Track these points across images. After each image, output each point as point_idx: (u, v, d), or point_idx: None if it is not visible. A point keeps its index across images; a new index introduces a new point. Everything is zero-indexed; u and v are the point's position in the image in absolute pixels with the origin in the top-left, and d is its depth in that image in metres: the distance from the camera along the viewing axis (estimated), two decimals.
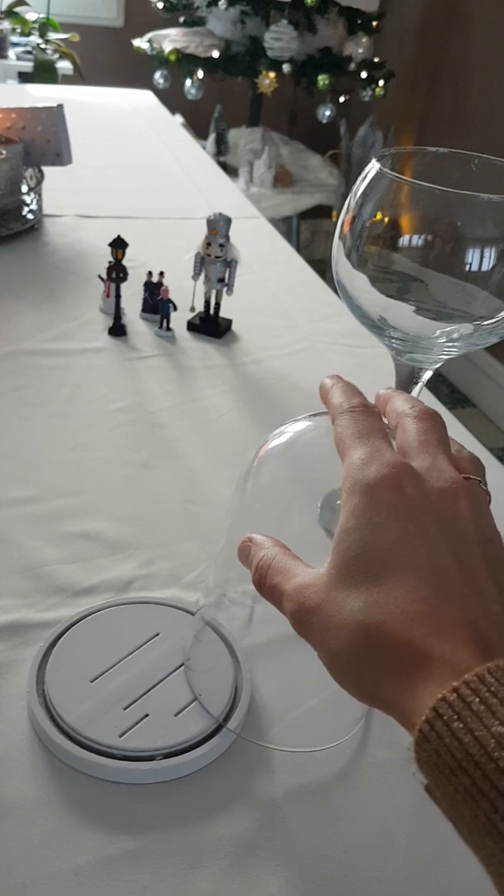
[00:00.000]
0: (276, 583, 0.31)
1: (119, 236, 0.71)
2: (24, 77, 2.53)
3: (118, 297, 0.74)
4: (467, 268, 0.45)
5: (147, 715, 0.40)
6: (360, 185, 0.46)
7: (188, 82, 2.40)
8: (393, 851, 0.36)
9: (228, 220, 0.73)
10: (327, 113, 2.43)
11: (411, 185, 0.45)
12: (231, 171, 2.52)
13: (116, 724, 0.39)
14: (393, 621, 0.26)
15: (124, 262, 0.74)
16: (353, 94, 2.52)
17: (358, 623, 0.27)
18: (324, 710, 0.43)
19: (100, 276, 0.75)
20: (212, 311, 0.79)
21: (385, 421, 0.36)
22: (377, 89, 2.49)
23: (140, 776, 0.37)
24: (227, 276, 0.76)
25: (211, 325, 0.80)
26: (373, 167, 0.46)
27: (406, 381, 0.51)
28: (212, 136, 2.55)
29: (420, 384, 0.51)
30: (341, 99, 2.48)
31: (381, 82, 2.48)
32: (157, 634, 0.44)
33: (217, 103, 2.55)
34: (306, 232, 2.69)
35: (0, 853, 0.34)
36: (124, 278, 0.73)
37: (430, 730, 0.24)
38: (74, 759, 0.38)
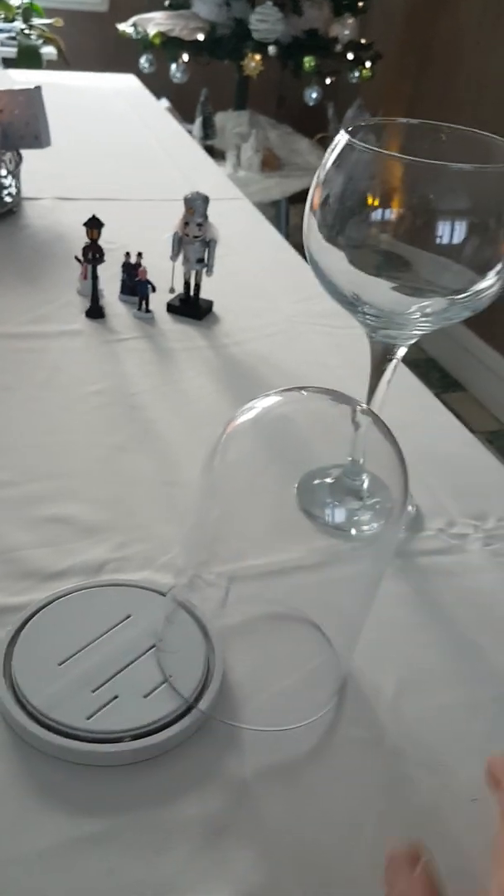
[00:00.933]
0: None
1: (94, 216, 0.70)
2: (7, 63, 2.50)
3: (95, 278, 0.73)
4: (439, 240, 0.44)
5: (116, 697, 0.39)
6: (330, 157, 0.46)
7: (173, 66, 2.38)
8: (363, 830, 0.36)
9: (206, 199, 0.72)
10: (314, 95, 2.40)
11: (381, 156, 0.44)
12: (218, 154, 2.50)
13: (84, 707, 0.38)
14: None
15: (102, 244, 0.73)
16: (341, 76, 2.49)
17: None
18: (297, 688, 0.43)
19: (76, 258, 0.74)
20: (192, 293, 0.78)
21: None
22: (364, 71, 2.46)
23: (108, 758, 0.37)
24: (206, 256, 0.75)
25: (191, 307, 0.79)
26: (342, 138, 0.45)
27: (380, 358, 0.51)
28: (198, 120, 2.53)
29: (394, 361, 0.51)
30: (328, 81, 2.46)
31: (368, 64, 2.46)
32: (129, 616, 0.44)
33: (203, 87, 2.52)
34: (295, 217, 2.67)
35: None
36: (100, 259, 0.72)
37: None
38: (41, 742, 0.37)
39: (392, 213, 0.45)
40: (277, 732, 0.40)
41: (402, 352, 0.50)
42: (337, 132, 0.42)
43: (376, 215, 0.45)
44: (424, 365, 2.46)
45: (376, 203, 0.45)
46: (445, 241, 0.44)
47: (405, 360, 0.53)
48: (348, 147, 0.45)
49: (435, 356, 2.51)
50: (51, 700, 0.38)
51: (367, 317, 0.49)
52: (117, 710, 0.38)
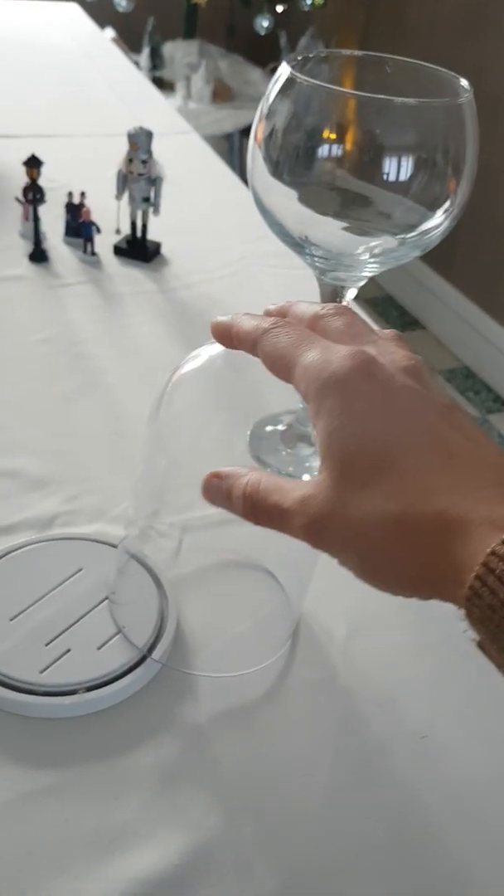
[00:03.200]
0: (275, 502, 0.29)
1: (33, 154, 0.67)
2: None
3: (36, 219, 0.70)
4: (386, 177, 0.43)
5: (69, 650, 0.39)
6: (272, 90, 0.44)
7: None
8: (317, 771, 0.37)
9: (150, 134, 0.69)
10: (265, 24, 2.32)
11: (324, 89, 0.42)
12: (168, 86, 2.41)
13: (37, 661, 0.38)
14: (419, 501, 0.26)
15: (45, 183, 0.70)
16: (292, 3, 2.40)
17: (384, 513, 0.26)
18: (250, 634, 0.43)
19: (17, 199, 0.72)
20: (139, 234, 0.76)
21: None
22: None
23: (61, 710, 0.37)
24: (152, 194, 0.73)
25: (138, 249, 0.76)
26: (284, 71, 0.43)
27: (330, 301, 0.50)
28: (146, 51, 2.43)
29: (345, 303, 0.50)
30: (279, 8, 2.37)
31: None
32: (81, 570, 0.43)
33: (150, 15, 2.42)
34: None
35: None
36: (42, 200, 0.69)
37: (481, 585, 0.23)
38: None
39: (337, 149, 0.44)
40: (232, 678, 0.40)
41: (351, 294, 0.49)
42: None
43: (321, 151, 0.44)
44: (382, 303, 2.45)
45: (320, 139, 0.44)
46: (392, 177, 0.43)
47: (363, 297, 0.52)
48: (290, 80, 0.43)
49: (393, 293, 2.50)
50: (3, 655, 0.38)
51: (316, 258, 0.48)
52: (71, 663, 0.38)
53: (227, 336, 0.35)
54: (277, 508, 0.29)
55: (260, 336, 0.33)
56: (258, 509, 0.30)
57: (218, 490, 0.32)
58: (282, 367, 0.31)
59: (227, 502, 0.31)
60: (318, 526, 0.28)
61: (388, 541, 0.26)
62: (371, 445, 0.27)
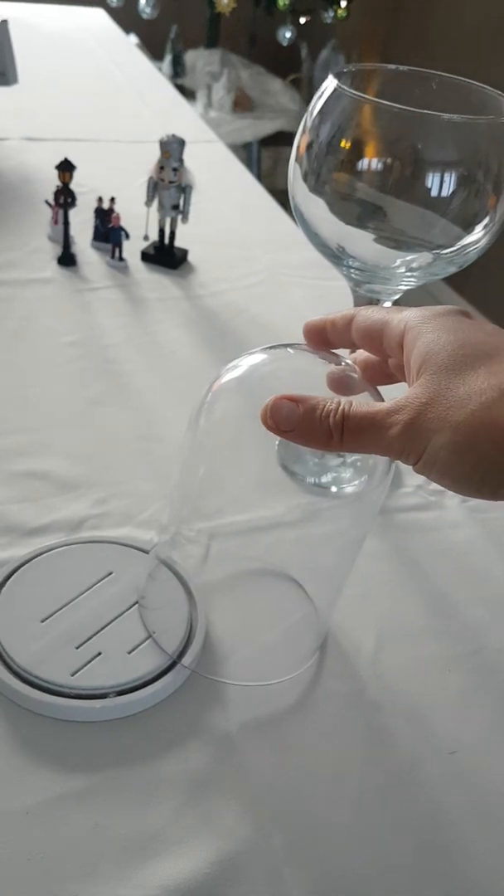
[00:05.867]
0: (367, 411, 0.30)
1: (66, 158, 0.68)
2: None
3: (66, 223, 0.70)
4: (427, 193, 0.43)
5: (100, 653, 0.39)
6: (317, 104, 0.44)
7: (142, 0, 2.28)
8: (345, 783, 0.37)
9: (182, 143, 0.70)
10: (287, 35, 2.33)
11: (370, 103, 0.42)
12: (189, 94, 2.42)
13: (68, 664, 0.38)
14: None
15: (73, 187, 0.71)
16: (315, 15, 2.42)
17: (488, 385, 0.27)
18: (278, 644, 0.43)
19: (47, 202, 0.72)
20: (166, 241, 0.77)
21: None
22: (339, 11, 2.39)
23: (92, 714, 0.37)
24: (181, 202, 0.73)
25: (166, 256, 0.77)
26: (330, 84, 0.43)
27: None
28: (168, 58, 2.44)
29: None
30: (302, 20, 2.39)
31: (343, 3, 2.39)
32: (111, 573, 0.43)
33: (173, 23, 2.43)
34: (268, 160, 2.61)
35: None
36: (72, 203, 0.70)
37: None
38: (25, 700, 0.37)
39: (379, 164, 0.44)
40: (260, 687, 0.40)
41: (386, 306, 0.49)
42: (311, 73, 0.41)
43: (363, 165, 0.44)
44: None
45: (363, 152, 0.44)
46: (433, 193, 0.43)
47: None
48: (335, 93, 0.43)
49: (403, 304, 2.50)
50: (35, 657, 0.38)
51: (352, 270, 0.48)
52: (101, 667, 0.38)
53: (319, 330, 0.37)
54: (370, 417, 0.30)
55: (357, 312, 0.35)
56: (350, 422, 0.30)
57: (291, 413, 0.31)
58: (377, 327, 0.34)
59: (307, 422, 0.31)
60: (417, 418, 0.28)
61: (490, 410, 0.27)
62: (473, 345, 0.29)
